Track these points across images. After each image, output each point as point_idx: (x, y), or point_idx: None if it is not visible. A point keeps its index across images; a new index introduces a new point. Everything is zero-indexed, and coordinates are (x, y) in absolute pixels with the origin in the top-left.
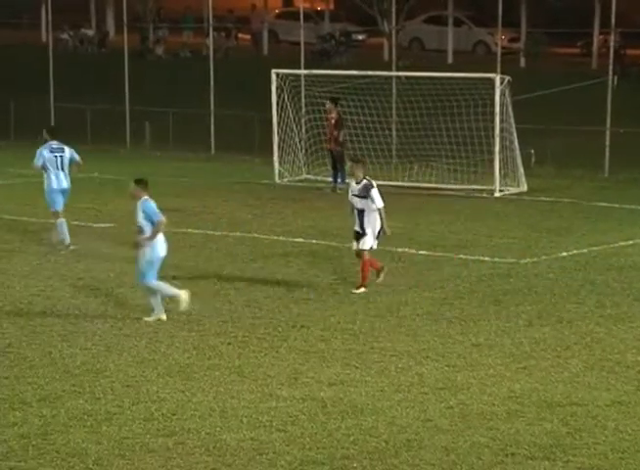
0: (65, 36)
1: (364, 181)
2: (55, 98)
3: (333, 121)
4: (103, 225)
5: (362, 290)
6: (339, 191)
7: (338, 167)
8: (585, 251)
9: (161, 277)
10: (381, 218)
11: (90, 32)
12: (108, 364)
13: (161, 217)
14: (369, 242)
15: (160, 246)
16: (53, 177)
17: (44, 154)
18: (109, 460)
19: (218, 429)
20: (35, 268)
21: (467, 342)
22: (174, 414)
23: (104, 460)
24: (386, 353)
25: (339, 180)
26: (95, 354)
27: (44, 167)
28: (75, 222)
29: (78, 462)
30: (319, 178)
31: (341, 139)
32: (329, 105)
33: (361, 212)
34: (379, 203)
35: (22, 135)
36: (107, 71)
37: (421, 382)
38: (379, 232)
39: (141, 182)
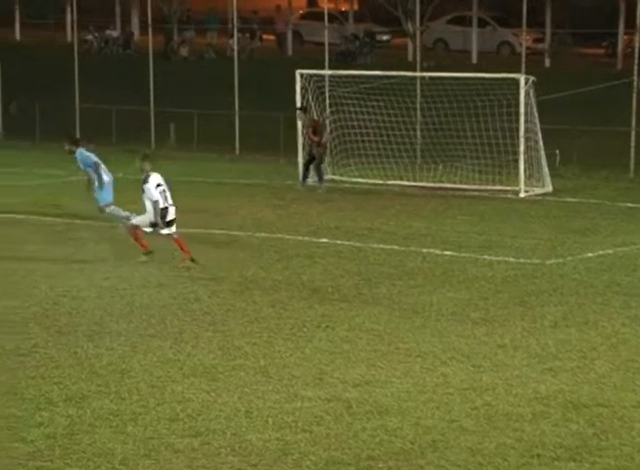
0: (90, 37)
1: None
2: (80, 99)
3: (311, 130)
4: None
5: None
6: (301, 188)
7: (311, 168)
8: (611, 251)
9: (188, 278)
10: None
11: (115, 33)
12: (133, 365)
13: None
14: (139, 219)
15: None
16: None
17: (92, 158)
18: (134, 460)
19: (244, 429)
20: (61, 269)
21: (492, 343)
22: (200, 415)
23: (130, 460)
24: (411, 354)
25: (315, 179)
26: (120, 355)
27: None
28: (101, 223)
29: (104, 462)
30: (344, 178)
31: (323, 141)
32: (301, 115)
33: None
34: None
35: (46, 136)
36: (131, 73)
37: (446, 383)
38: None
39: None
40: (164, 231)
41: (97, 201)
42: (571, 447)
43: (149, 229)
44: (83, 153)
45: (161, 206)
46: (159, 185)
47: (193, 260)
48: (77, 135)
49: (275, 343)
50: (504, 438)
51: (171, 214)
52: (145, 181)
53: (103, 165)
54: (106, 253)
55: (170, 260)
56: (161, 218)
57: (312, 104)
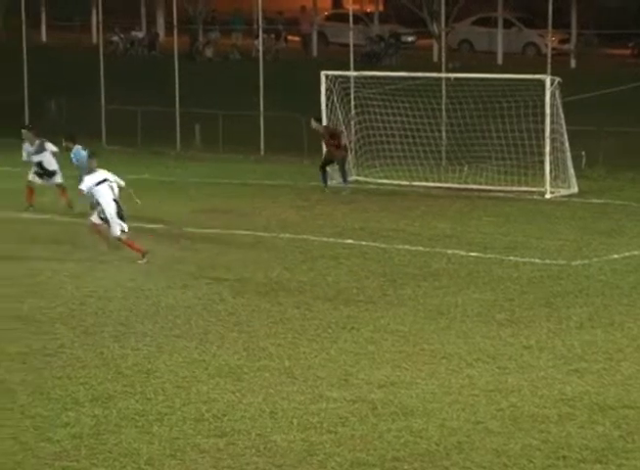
0: (115, 39)
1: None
2: (105, 100)
3: (327, 137)
4: (153, 226)
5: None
6: (327, 191)
7: (328, 169)
8: (637, 253)
9: (213, 278)
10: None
11: (140, 34)
12: (159, 365)
13: None
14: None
15: None
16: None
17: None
18: (160, 460)
19: (269, 430)
20: (87, 270)
21: (518, 344)
22: (225, 415)
23: (155, 460)
24: (436, 356)
25: (339, 180)
26: (146, 355)
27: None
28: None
29: (130, 462)
30: (369, 179)
31: (342, 144)
32: (314, 124)
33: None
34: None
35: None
36: (157, 74)
37: (472, 384)
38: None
39: None
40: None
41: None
42: (596, 449)
43: (118, 223)
44: (80, 151)
45: (113, 197)
46: (105, 180)
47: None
48: (103, 137)
49: (300, 344)
50: (530, 439)
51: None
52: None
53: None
54: (131, 254)
55: (196, 261)
56: (119, 210)
57: (337, 105)
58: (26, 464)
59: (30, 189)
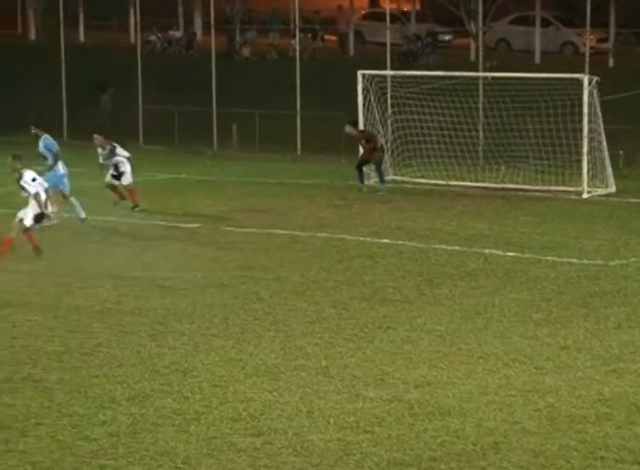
0: (153, 38)
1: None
2: (143, 99)
3: (363, 141)
4: (190, 226)
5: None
6: (364, 190)
7: (364, 169)
8: None
9: (250, 277)
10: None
11: (178, 34)
12: (196, 364)
13: None
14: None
15: None
16: (60, 164)
17: (56, 147)
18: (197, 460)
19: (305, 429)
20: (124, 268)
21: (555, 344)
22: (262, 414)
23: (192, 460)
24: (473, 355)
25: (376, 180)
26: (183, 354)
27: (57, 157)
28: (163, 223)
29: (167, 461)
30: (406, 179)
31: (378, 146)
32: (349, 129)
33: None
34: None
35: (110, 137)
36: (194, 73)
37: (508, 384)
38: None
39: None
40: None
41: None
42: (634, 450)
43: (32, 223)
44: (49, 139)
45: (43, 197)
46: (34, 179)
47: (38, 250)
48: (140, 136)
49: (336, 343)
50: (567, 440)
51: (51, 206)
52: (20, 178)
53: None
54: (169, 252)
55: (234, 260)
56: (45, 208)
57: (374, 104)
58: (64, 462)
59: (113, 189)
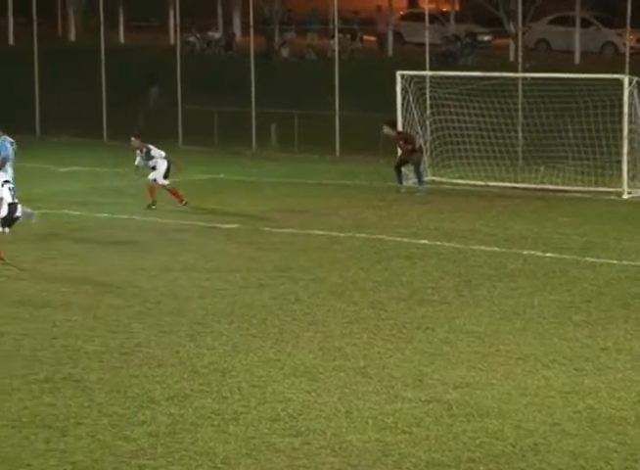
0: (192, 39)
1: None
2: (182, 100)
3: (401, 142)
4: (229, 226)
5: None
6: (402, 191)
7: (403, 170)
8: None
9: (289, 278)
10: None
11: (217, 35)
12: (234, 364)
13: None
14: None
15: None
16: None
17: (8, 146)
18: (236, 460)
19: (344, 430)
20: (164, 268)
21: (595, 345)
22: (300, 414)
23: (231, 460)
24: (512, 357)
25: (415, 180)
26: (222, 354)
27: (5, 160)
28: (202, 223)
29: (206, 461)
30: (444, 180)
31: (417, 147)
32: (387, 129)
33: None
34: None
35: (148, 138)
36: (233, 74)
37: (548, 386)
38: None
39: None
40: (6, 230)
41: None
42: None
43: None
44: (6, 142)
45: (9, 201)
46: (6, 182)
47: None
48: (180, 137)
49: (375, 344)
50: (607, 441)
51: (19, 211)
52: None
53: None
54: (207, 253)
55: (272, 261)
56: (9, 214)
57: (413, 105)
58: (104, 462)
59: (170, 191)
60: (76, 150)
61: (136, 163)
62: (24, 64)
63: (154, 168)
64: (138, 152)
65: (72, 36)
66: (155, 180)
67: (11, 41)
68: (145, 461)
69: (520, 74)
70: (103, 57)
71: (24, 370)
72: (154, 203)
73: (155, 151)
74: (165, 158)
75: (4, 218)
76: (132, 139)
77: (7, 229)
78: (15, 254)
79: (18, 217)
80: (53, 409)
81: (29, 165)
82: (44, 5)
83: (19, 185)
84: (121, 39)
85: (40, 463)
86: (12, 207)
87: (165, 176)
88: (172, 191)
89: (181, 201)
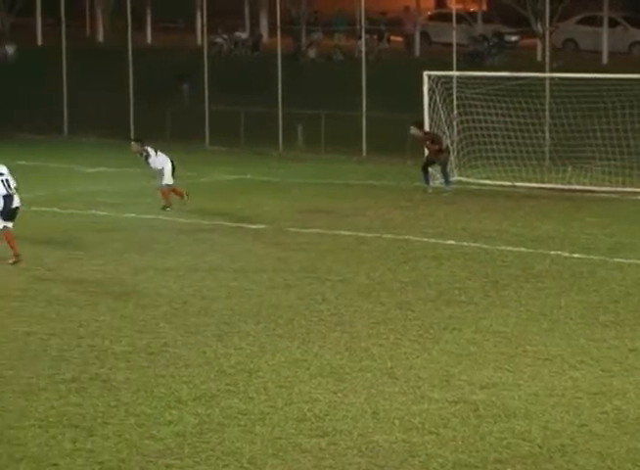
0: (219, 40)
1: None
2: (209, 101)
3: (428, 142)
4: (256, 226)
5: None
6: (429, 191)
7: (430, 170)
8: None
9: (316, 278)
10: None
11: (244, 35)
12: (261, 365)
13: None
14: None
15: None
16: None
17: None
18: (262, 460)
19: (370, 430)
20: (191, 269)
21: (622, 346)
22: (327, 415)
23: (258, 460)
24: (538, 357)
25: (441, 180)
26: (249, 355)
27: None
28: (229, 223)
29: (233, 461)
30: (471, 180)
31: (444, 147)
32: (414, 130)
33: None
34: None
35: (176, 138)
36: (260, 74)
37: (575, 386)
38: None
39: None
40: (8, 224)
41: None
42: None
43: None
44: None
45: (4, 193)
46: (1, 174)
47: (17, 261)
48: (206, 137)
49: (402, 344)
50: (635, 442)
51: (16, 202)
52: None
53: None
54: (234, 253)
55: (299, 261)
56: (5, 207)
57: (439, 105)
58: (131, 462)
59: (171, 191)
60: (103, 150)
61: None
62: (53, 64)
63: (161, 172)
64: (138, 155)
65: (100, 37)
66: (167, 185)
67: (39, 41)
68: (172, 461)
69: (547, 74)
70: (130, 57)
71: (51, 370)
72: (169, 205)
73: (153, 157)
74: (170, 159)
75: (1, 212)
76: (132, 143)
77: (10, 224)
78: (42, 254)
79: (17, 208)
80: (80, 409)
81: (56, 166)
82: (72, 5)
83: (44, 185)
84: (149, 40)
85: (67, 463)
86: (7, 199)
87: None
88: (173, 190)
89: (181, 196)
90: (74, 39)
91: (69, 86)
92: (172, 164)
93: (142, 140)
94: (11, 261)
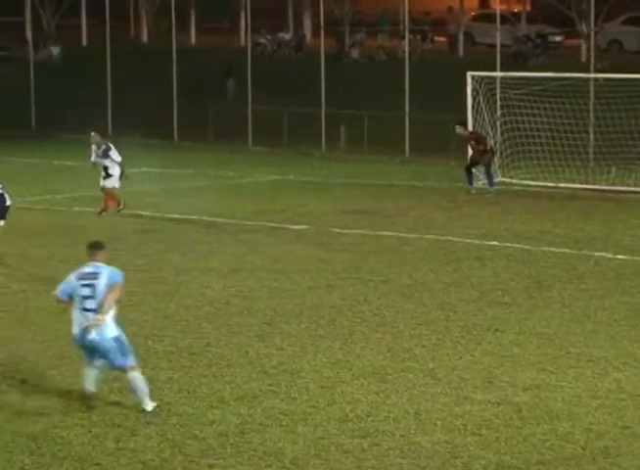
0: (263, 40)
1: None
2: (252, 101)
3: (473, 142)
4: (298, 227)
5: None
6: (472, 192)
7: (473, 171)
8: None
9: (358, 279)
10: None
11: (287, 36)
12: (303, 365)
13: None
14: None
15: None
16: None
17: None
18: (304, 460)
19: (412, 431)
20: (233, 269)
21: None
22: (369, 416)
23: (300, 460)
24: (582, 359)
25: (485, 181)
26: (290, 355)
27: None
28: (271, 224)
29: (275, 461)
30: (514, 181)
31: (488, 148)
32: (460, 129)
33: None
34: None
35: (218, 138)
36: (303, 75)
37: (619, 388)
38: None
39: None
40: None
41: None
42: None
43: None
44: None
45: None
46: None
47: None
48: (249, 138)
49: (444, 345)
50: None
51: (8, 200)
52: None
53: None
54: (277, 253)
55: (341, 262)
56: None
57: (483, 106)
58: (173, 461)
59: (109, 194)
60: (147, 150)
61: (92, 159)
62: (97, 64)
63: (107, 172)
64: (94, 147)
65: (144, 37)
66: (114, 187)
67: (84, 42)
68: (214, 461)
69: (592, 75)
70: (174, 58)
71: None
72: (121, 204)
73: (113, 152)
74: (120, 164)
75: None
76: (92, 134)
77: (2, 222)
78: (85, 253)
79: (8, 207)
80: (123, 409)
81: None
82: (116, 6)
83: (88, 185)
84: (192, 41)
85: (110, 462)
86: (1, 198)
87: (105, 178)
88: (109, 196)
89: (118, 206)
90: (119, 40)
91: (114, 86)
92: (121, 170)
93: (103, 134)
94: None
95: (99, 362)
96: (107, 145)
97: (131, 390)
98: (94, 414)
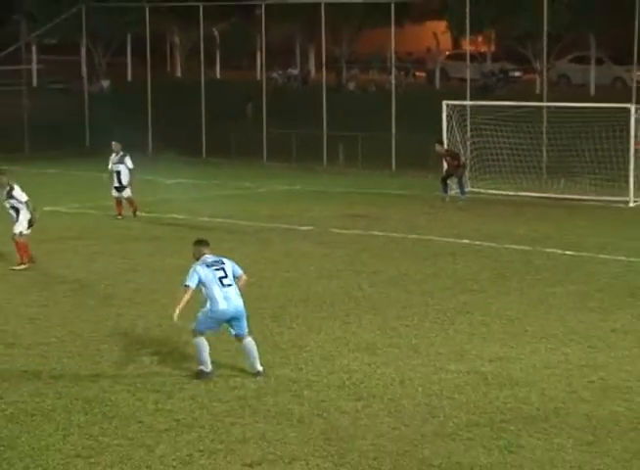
0: (275, 75)
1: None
2: (267, 125)
3: (449, 158)
4: (305, 228)
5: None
6: (447, 200)
7: (449, 182)
8: None
9: (353, 271)
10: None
11: (295, 71)
12: (308, 341)
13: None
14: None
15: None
16: None
17: None
18: (309, 419)
19: (398, 395)
20: (252, 261)
21: (606, 327)
22: (362, 383)
23: (305, 419)
24: (537, 336)
25: (457, 191)
26: (298, 333)
27: None
28: (283, 225)
29: (284, 420)
30: (482, 190)
31: (461, 163)
32: (439, 147)
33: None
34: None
35: (239, 155)
36: (308, 103)
37: (567, 360)
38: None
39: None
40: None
41: None
42: None
43: (27, 229)
44: None
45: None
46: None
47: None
48: (264, 155)
49: (424, 325)
50: (616, 407)
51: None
52: (11, 190)
53: None
54: (287, 250)
55: (340, 256)
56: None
57: (456, 129)
58: (202, 419)
59: (118, 201)
60: (181, 166)
61: (109, 166)
62: (140, 95)
63: (17, 214)
64: (114, 155)
65: (178, 73)
66: (20, 233)
67: (129, 77)
68: (235, 419)
69: (544, 104)
70: (203, 89)
71: (138, 345)
72: (31, 260)
73: (17, 191)
74: (26, 204)
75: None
76: (113, 143)
77: (29, 230)
78: (130, 249)
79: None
80: (161, 377)
81: (143, 178)
82: (156, 48)
83: (134, 194)
84: (217, 75)
85: (150, 420)
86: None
87: (29, 227)
88: (23, 245)
89: (22, 262)
90: (157, 75)
91: (153, 113)
92: (30, 213)
93: (5, 173)
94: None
95: (233, 330)
96: (11, 186)
97: (247, 353)
98: (138, 381)
